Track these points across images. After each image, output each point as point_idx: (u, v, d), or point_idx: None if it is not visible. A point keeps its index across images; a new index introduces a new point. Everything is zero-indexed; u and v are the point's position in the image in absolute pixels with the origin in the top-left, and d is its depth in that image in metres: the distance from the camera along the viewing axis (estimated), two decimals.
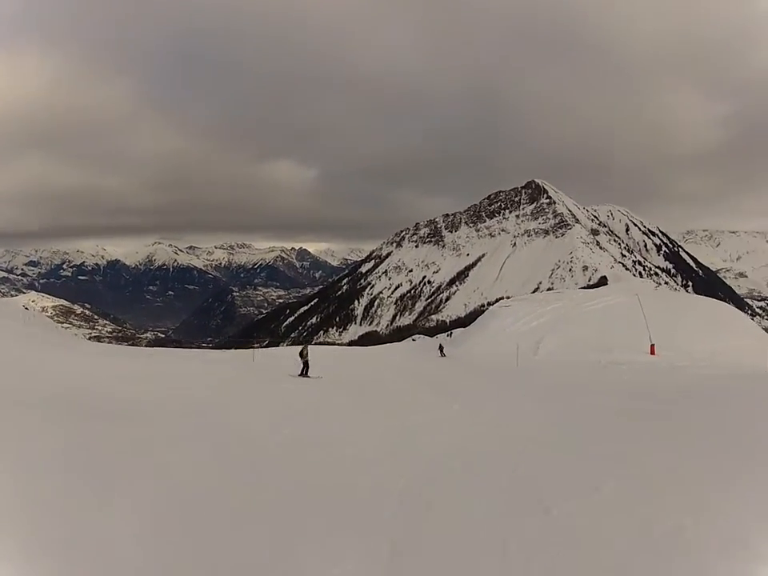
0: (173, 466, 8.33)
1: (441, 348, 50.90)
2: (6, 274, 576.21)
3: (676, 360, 29.00)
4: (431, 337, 78.45)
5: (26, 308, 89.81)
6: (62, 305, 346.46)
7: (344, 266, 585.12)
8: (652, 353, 32.12)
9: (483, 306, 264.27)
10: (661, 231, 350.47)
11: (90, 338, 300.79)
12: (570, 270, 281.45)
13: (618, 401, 16.64)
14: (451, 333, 72.38)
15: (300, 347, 26.60)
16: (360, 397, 18.79)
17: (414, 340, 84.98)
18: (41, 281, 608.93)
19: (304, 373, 23.96)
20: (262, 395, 18.49)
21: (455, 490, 7.93)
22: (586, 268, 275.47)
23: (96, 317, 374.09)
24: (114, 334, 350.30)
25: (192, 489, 7.45)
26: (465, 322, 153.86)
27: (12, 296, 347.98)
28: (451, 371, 30.79)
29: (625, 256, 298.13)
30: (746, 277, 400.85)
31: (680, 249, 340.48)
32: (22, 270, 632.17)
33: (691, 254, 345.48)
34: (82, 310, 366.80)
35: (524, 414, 15.00)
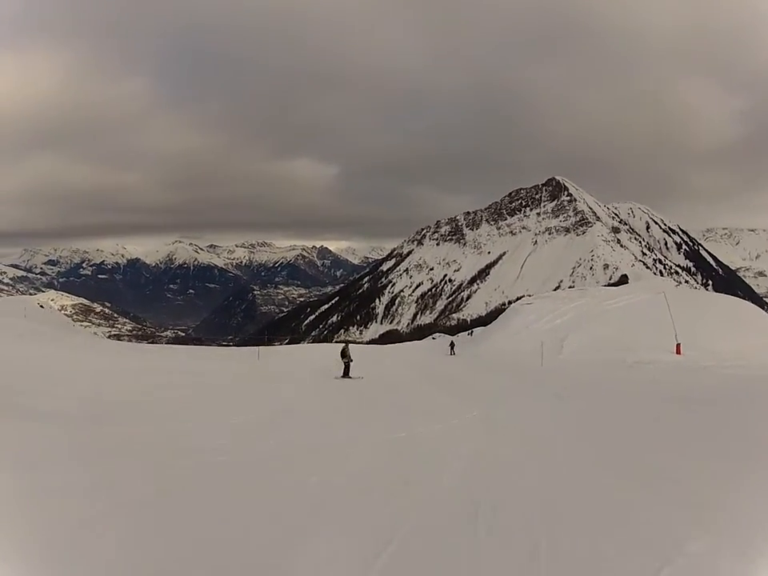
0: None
1: (452, 345, 52.01)
2: (24, 273, 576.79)
3: (701, 359, 28.35)
4: (452, 335, 78.04)
5: (42, 306, 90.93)
6: (81, 303, 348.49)
7: (365, 264, 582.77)
8: (678, 352, 31.54)
9: (504, 304, 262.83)
10: (681, 229, 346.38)
11: (109, 336, 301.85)
12: (591, 268, 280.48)
13: (657, 406, 15.13)
14: (472, 331, 71.99)
15: (341, 346, 25.32)
16: (368, 400, 17.72)
17: (434, 338, 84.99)
18: (60, 279, 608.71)
19: (346, 374, 23.33)
20: (258, 395, 18.67)
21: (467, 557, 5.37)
22: (606, 266, 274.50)
23: (116, 315, 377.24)
24: (134, 332, 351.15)
25: (188, 490, 7.31)
26: (486, 320, 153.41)
27: (31, 295, 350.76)
28: (473, 371, 30.75)
29: (645, 254, 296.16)
30: (766, 276, 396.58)
31: (700, 247, 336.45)
32: (41, 269, 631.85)
33: (711, 252, 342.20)
34: (101, 308, 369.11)
35: (556, 424, 12.71)
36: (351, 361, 23.73)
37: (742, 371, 24.00)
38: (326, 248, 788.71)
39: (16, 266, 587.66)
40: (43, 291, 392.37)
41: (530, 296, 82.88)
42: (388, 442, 10.55)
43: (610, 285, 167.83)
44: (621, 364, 28.72)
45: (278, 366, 32.43)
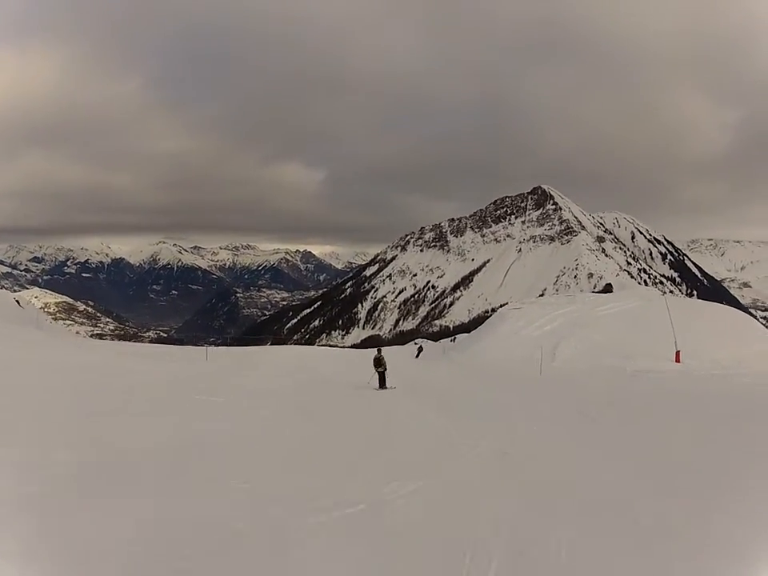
0: None
1: (420, 350, 52.48)
2: (9, 270, 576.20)
3: (701, 368, 27.29)
4: (435, 341, 76.16)
5: (18, 302, 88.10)
6: (64, 301, 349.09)
7: (348, 270, 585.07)
8: (677, 360, 29.85)
9: (487, 311, 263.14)
10: (666, 239, 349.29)
11: (92, 335, 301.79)
12: (575, 276, 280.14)
13: (714, 426, 12.29)
14: (455, 338, 70.43)
15: (374, 353, 22.39)
16: (337, 423, 13.38)
17: (416, 344, 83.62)
18: (44, 277, 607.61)
19: (382, 384, 20.93)
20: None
21: None
22: (591, 275, 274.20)
23: (98, 314, 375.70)
24: (116, 332, 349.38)
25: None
26: (468, 327, 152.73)
27: (15, 291, 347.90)
28: (464, 380, 27.33)
29: (630, 264, 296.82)
30: (750, 287, 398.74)
31: (685, 257, 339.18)
32: (26, 265, 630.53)
33: (696, 263, 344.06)
34: (84, 307, 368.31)
35: (609, 464, 8.81)
36: (386, 370, 21.20)
37: (749, 380, 23.10)
38: (310, 252, 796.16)
39: (1, 262, 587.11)
40: (27, 288, 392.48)
41: (515, 302, 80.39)
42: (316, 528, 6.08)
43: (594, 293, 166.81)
44: (621, 372, 27.99)
45: (228, 371, 25.22)
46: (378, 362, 21.08)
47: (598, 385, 24.18)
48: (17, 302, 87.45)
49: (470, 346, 47.44)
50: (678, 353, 30.01)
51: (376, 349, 24.72)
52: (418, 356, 49.42)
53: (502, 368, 33.22)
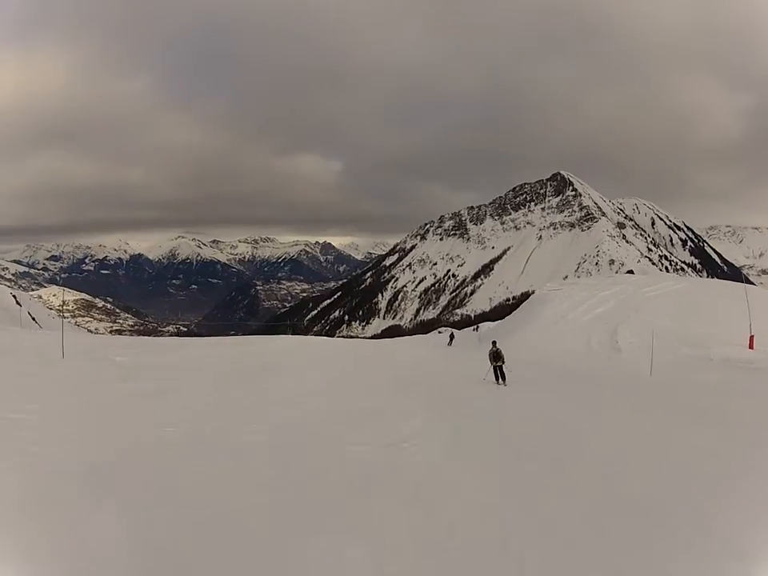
0: None
1: (451, 337, 49.50)
2: (27, 269, 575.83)
3: None
4: (458, 330, 72.81)
5: (16, 298, 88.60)
6: (83, 299, 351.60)
7: (368, 260, 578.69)
8: (750, 346, 26.66)
9: (509, 300, 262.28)
10: (686, 226, 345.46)
11: (111, 332, 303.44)
12: (597, 263, 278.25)
13: None
14: (477, 327, 68.38)
15: (492, 347, 20.45)
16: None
17: (440, 332, 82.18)
18: (63, 275, 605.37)
19: (502, 378, 19.39)
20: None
21: None
22: (612, 262, 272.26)
23: (117, 310, 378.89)
24: (136, 327, 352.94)
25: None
26: (490, 316, 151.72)
27: (33, 290, 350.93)
28: (525, 388, 18.80)
29: (651, 250, 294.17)
30: None
31: (705, 244, 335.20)
32: (44, 264, 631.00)
33: (716, 249, 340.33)
34: (103, 303, 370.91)
35: None
36: (504, 363, 19.67)
37: None
38: (329, 244, 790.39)
39: (18, 262, 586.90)
40: (45, 287, 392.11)
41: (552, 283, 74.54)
42: None
43: None
44: (707, 362, 24.83)
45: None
46: (497, 356, 19.72)
47: (733, 387, 18.85)
48: (14, 297, 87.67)
49: (509, 334, 38.69)
50: (752, 338, 27.14)
51: (491, 342, 22.16)
52: (450, 343, 46.62)
53: (561, 363, 27.06)
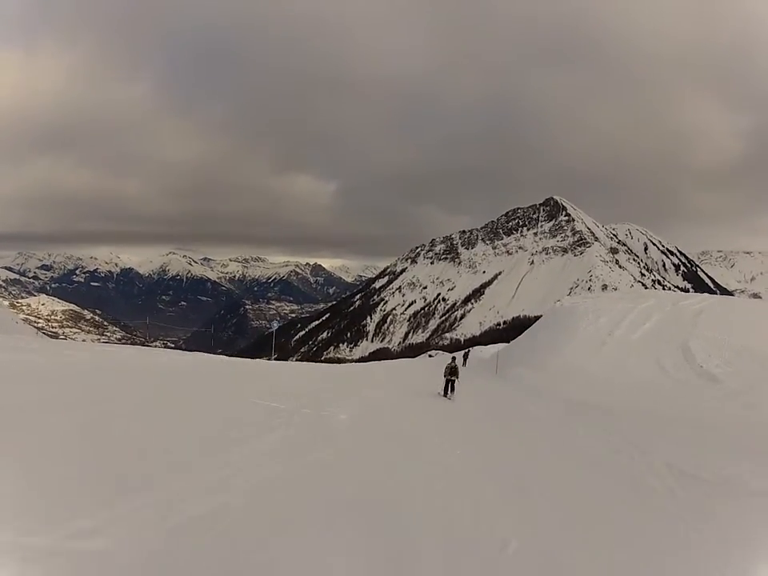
0: None
1: (465, 356, 44.92)
2: (18, 276, 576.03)
3: None
4: (449, 353, 69.04)
5: None
6: (71, 309, 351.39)
7: (359, 283, 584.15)
8: None
9: (499, 324, 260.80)
10: (679, 251, 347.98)
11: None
12: (590, 288, 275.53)
13: None
14: (468, 350, 64.56)
15: (451, 362, 21.11)
16: None
17: (431, 356, 79.50)
18: (53, 285, 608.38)
19: (449, 392, 20.20)
20: None
21: None
22: (605, 287, 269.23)
23: (105, 323, 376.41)
24: (123, 341, 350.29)
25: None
26: (480, 340, 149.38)
27: (23, 298, 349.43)
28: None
29: (644, 275, 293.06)
30: (761, 297, 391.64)
31: (698, 268, 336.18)
32: (35, 273, 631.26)
33: (708, 274, 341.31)
34: (92, 315, 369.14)
35: None
36: (457, 378, 20.46)
37: None
38: (320, 265, 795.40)
39: (9, 269, 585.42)
40: (35, 295, 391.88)
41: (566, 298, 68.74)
42: None
43: None
44: None
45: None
46: (453, 371, 20.48)
47: None
48: None
49: (541, 357, 31.06)
50: None
51: (451, 357, 24.15)
52: (465, 363, 40.07)
53: (668, 409, 18.39)
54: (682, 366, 24.01)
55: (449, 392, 20.14)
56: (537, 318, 53.97)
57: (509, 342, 57.55)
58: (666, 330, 28.45)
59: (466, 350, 48.95)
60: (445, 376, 20.63)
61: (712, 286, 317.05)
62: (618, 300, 37.66)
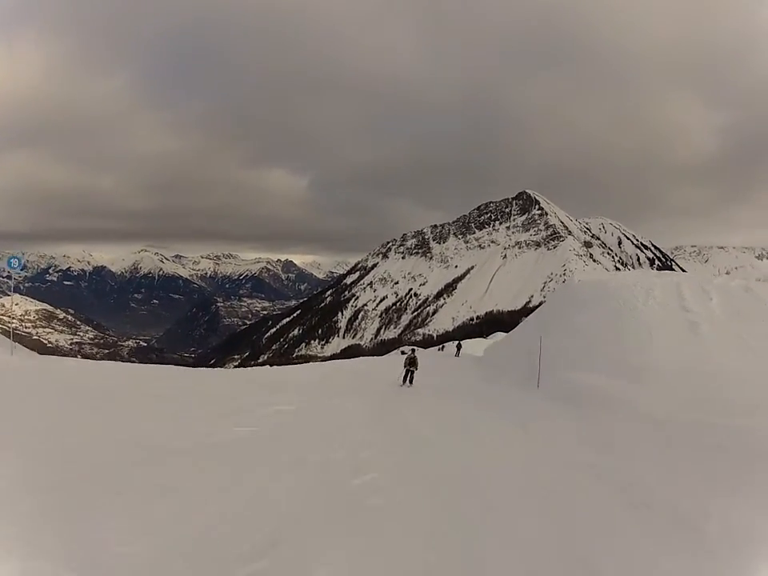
0: None
1: (458, 347, 45.67)
2: None
3: None
4: (424, 348, 66.89)
5: None
6: (44, 309, 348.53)
7: (330, 279, 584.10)
8: None
9: (472, 319, 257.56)
10: (653, 245, 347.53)
11: (71, 344, 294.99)
12: (564, 282, 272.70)
13: None
14: (443, 346, 62.63)
15: (411, 354, 22.45)
16: None
17: (403, 353, 74.90)
18: (26, 284, 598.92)
19: (408, 382, 21.27)
20: None
21: None
22: (580, 281, 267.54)
23: (78, 323, 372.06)
24: (96, 340, 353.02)
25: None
26: (453, 335, 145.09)
27: None
28: None
29: (618, 269, 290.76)
30: None
31: (672, 263, 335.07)
32: (8, 272, 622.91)
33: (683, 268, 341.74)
34: (65, 315, 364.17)
35: None
36: (416, 369, 21.59)
37: None
38: (291, 261, 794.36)
39: None
40: (8, 295, 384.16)
41: (501, 312, 64.82)
42: None
43: None
44: None
45: None
46: (413, 362, 21.59)
47: None
48: None
49: (600, 351, 18.82)
50: None
51: (410, 349, 26.63)
52: (457, 354, 43.13)
53: None
54: None
55: (407, 382, 21.26)
56: (511, 312, 49.78)
57: (485, 337, 52.69)
58: (734, 319, 19.24)
59: (458, 344, 46.45)
60: (405, 366, 21.78)
61: None
62: (643, 274, 31.28)
